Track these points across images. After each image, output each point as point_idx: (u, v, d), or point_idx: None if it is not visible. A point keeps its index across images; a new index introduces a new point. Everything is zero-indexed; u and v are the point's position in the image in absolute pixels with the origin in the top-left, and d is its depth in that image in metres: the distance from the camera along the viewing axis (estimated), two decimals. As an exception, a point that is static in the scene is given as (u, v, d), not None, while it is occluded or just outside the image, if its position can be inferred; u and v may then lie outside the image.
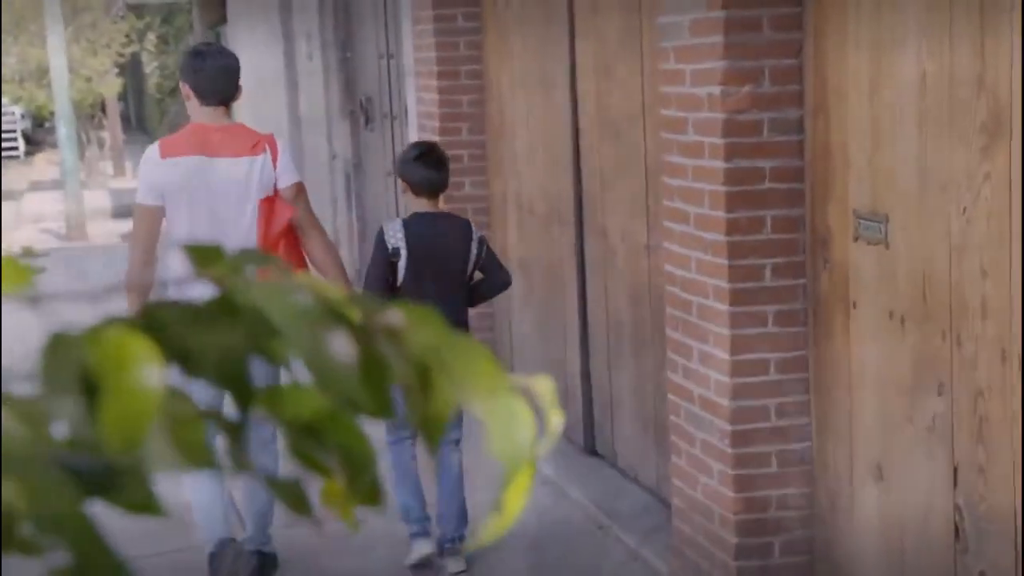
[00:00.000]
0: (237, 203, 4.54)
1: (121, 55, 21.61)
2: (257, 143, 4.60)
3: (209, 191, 4.53)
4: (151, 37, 23.04)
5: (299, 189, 4.69)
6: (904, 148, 3.61)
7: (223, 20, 14.24)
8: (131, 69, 26.39)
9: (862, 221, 3.82)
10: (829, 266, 4.00)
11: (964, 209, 3.37)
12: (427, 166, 4.80)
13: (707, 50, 4.05)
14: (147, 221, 4.60)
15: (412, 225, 4.74)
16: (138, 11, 22.07)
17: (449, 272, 4.74)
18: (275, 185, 4.60)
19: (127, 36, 21.78)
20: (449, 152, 7.17)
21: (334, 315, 0.70)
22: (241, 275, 0.73)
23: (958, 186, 3.39)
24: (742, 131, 4.02)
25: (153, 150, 4.63)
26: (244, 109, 12.32)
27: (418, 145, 5.13)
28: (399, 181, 4.96)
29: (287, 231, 4.65)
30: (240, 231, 4.53)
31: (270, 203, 4.59)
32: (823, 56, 3.94)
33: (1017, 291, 3.20)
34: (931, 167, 3.50)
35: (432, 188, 4.79)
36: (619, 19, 5.31)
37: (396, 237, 4.70)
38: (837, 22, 3.87)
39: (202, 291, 0.77)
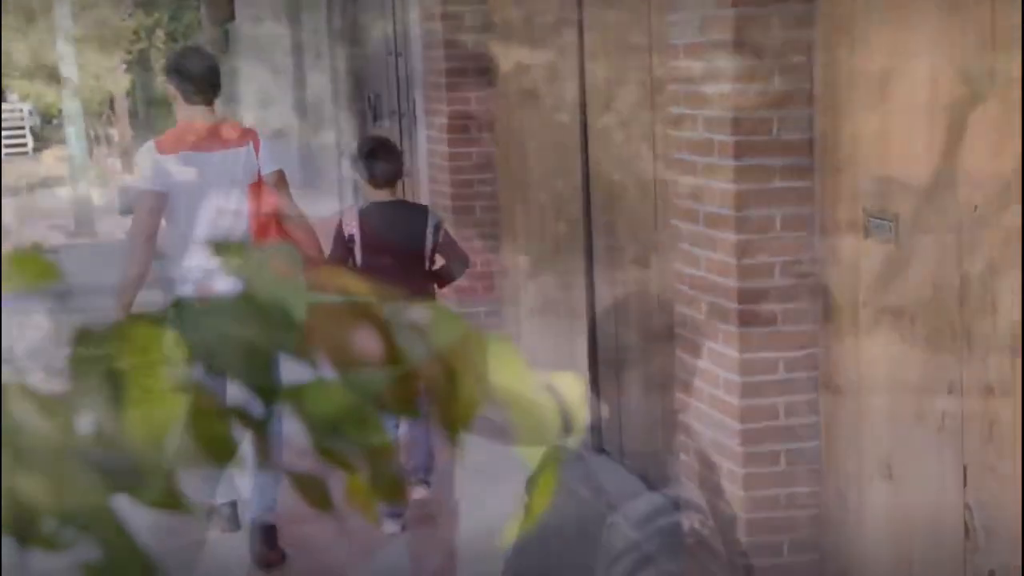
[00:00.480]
0: (229, 192, 4.84)
1: (129, 52, 21.63)
2: (241, 135, 4.95)
3: (204, 183, 4.80)
4: (159, 34, 23.04)
5: (280, 176, 4.99)
6: (914, 146, 3.61)
7: (231, 17, 14.23)
8: (139, 66, 26.38)
9: (872, 219, 3.81)
10: (839, 265, 3.99)
11: (975, 207, 3.36)
12: (381, 159, 5.20)
13: (717, 47, 4.04)
14: (150, 208, 4.83)
15: (366, 214, 5.15)
16: (146, 8, 22.08)
17: (406, 256, 5.09)
18: (258, 172, 4.90)
19: (135, 33, 21.78)
20: (457, 150, 7.22)
21: (360, 311, 0.70)
22: (264, 271, 0.73)
23: (969, 184, 3.38)
24: (752, 129, 4.02)
25: (150, 147, 4.91)
26: (252, 106, 12.32)
27: (368, 141, 5.54)
28: (358, 177, 5.41)
29: (274, 217, 4.95)
30: (233, 218, 4.82)
31: (256, 189, 4.89)
32: (833, 54, 3.93)
33: (1028, 290, 3.19)
34: (941, 165, 3.50)
35: (389, 178, 5.21)
36: (629, 15, 5.31)
37: (351, 225, 5.13)
38: (847, 19, 3.86)
39: (224, 286, 0.77)
